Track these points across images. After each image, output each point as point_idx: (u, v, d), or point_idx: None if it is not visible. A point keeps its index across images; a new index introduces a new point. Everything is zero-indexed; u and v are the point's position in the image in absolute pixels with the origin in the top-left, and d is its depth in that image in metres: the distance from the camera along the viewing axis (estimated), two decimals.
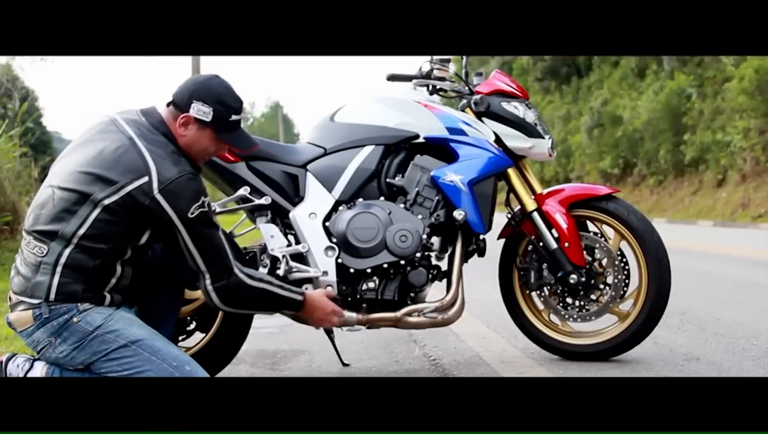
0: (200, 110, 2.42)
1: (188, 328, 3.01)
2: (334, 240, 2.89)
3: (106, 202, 2.30)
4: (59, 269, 2.30)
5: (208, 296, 2.44)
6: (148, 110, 2.48)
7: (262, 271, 2.87)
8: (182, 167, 2.36)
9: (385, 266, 2.88)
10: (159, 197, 2.30)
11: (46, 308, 2.30)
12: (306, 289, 2.86)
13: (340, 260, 2.88)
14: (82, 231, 2.30)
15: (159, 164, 2.33)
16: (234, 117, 2.48)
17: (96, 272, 2.32)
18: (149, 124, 2.43)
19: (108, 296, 2.36)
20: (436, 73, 3.17)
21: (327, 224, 2.93)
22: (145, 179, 2.31)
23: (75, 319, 2.30)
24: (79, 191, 2.33)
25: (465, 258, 3.05)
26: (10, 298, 2.41)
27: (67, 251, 2.30)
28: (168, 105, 2.47)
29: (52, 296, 2.30)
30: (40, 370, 2.37)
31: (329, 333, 3.13)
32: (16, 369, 2.38)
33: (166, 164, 2.34)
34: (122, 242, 2.35)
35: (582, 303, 3.18)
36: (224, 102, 2.45)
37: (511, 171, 3.16)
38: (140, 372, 2.30)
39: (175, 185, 2.32)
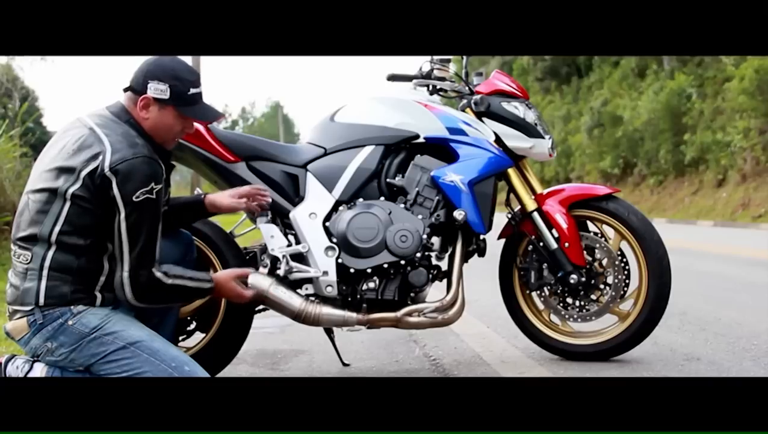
0: (157, 89, 2.39)
1: (188, 328, 3.02)
2: (335, 240, 2.89)
3: (71, 190, 2.30)
4: (45, 273, 2.30)
5: (120, 288, 2.34)
6: (112, 103, 2.48)
7: (262, 272, 2.87)
8: (138, 150, 2.32)
9: (386, 266, 2.88)
10: (108, 173, 2.28)
11: (39, 313, 2.30)
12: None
13: (340, 260, 2.88)
14: (57, 228, 2.30)
15: (114, 145, 2.31)
16: (192, 90, 2.44)
17: (82, 271, 2.32)
18: (112, 114, 2.43)
19: (99, 296, 2.35)
20: (436, 73, 3.17)
21: (327, 224, 2.93)
22: (99, 158, 2.30)
23: (70, 322, 2.30)
24: (47, 189, 2.34)
25: (465, 258, 3.05)
26: (7, 309, 2.41)
27: (50, 253, 2.30)
28: (125, 91, 2.45)
29: (42, 300, 2.29)
30: (39, 371, 2.36)
31: (329, 332, 3.14)
32: (15, 370, 2.37)
33: (123, 144, 2.32)
34: (99, 235, 2.33)
35: (582, 303, 3.18)
36: (179, 77, 2.42)
37: (511, 171, 3.16)
38: (139, 374, 2.29)
39: (127, 164, 2.28)
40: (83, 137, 2.36)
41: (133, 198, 2.28)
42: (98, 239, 2.33)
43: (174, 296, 2.49)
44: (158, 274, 2.36)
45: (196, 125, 2.92)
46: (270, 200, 2.86)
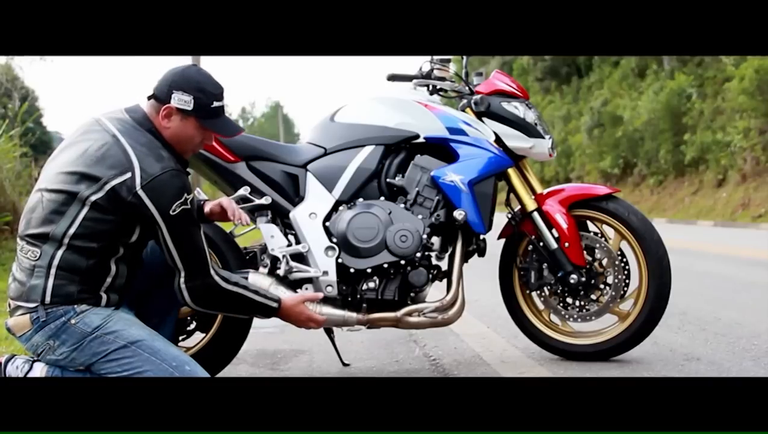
0: (181, 99, 2.40)
1: (188, 328, 3.02)
2: (335, 240, 2.89)
3: (93, 198, 2.30)
4: (53, 271, 2.30)
5: (180, 294, 2.43)
6: (132, 107, 2.47)
7: (262, 272, 2.88)
8: (166, 163, 2.34)
9: (386, 266, 2.88)
10: (141, 193, 2.29)
11: (42, 311, 2.30)
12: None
13: (340, 260, 2.88)
14: (72, 231, 2.30)
15: (142, 160, 2.32)
16: (216, 104, 2.45)
17: (90, 272, 2.32)
18: (133, 120, 2.42)
19: (104, 296, 2.36)
20: (436, 73, 3.17)
21: (327, 224, 2.93)
22: (128, 174, 2.30)
23: (72, 321, 2.30)
24: (66, 191, 2.33)
25: (465, 258, 3.05)
26: (9, 304, 2.41)
27: (60, 252, 2.30)
28: (149, 99, 2.45)
29: (48, 298, 2.29)
30: (39, 371, 2.36)
31: (329, 332, 3.13)
32: (15, 370, 2.37)
33: (150, 159, 2.32)
34: (113, 239, 2.34)
35: (582, 303, 3.18)
36: (204, 89, 2.43)
37: (511, 171, 3.16)
38: (140, 373, 2.29)
39: (158, 181, 2.30)
40: (107, 145, 2.35)
41: (170, 212, 2.32)
42: (110, 244, 2.34)
43: (234, 304, 2.51)
44: (216, 278, 2.43)
45: None
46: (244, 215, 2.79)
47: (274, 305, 2.56)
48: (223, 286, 2.44)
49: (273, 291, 2.79)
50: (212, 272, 2.43)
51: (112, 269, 2.37)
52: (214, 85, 2.46)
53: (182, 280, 2.41)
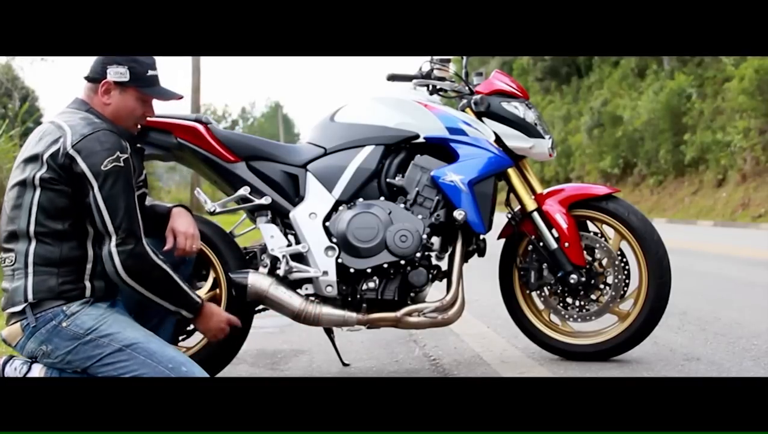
0: (117, 72, 2.44)
1: (188, 328, 3.01)
2: (334, 240, 2.89)
3: (38, 176, 2.32)
4: (30, 269, 2.32)
5: (109, 261, 2.30)
6: (71, 101, 2.52)
7: (262, 272, 2.88)
8: (97, 125, 2.36)
9: (385, 266, 2.88)
10: (72, 151, 2.30)
11: (32, 317, 2.30)
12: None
13: (340, 260, 2.88)
14: (33, 219, 2.32)
15: (73, 126, 2.36)
16: (150, 72, 2.49)
17: (67, 260, 2.32)
18: (70, 108, 2.47)
19: (89, 285, 2.35)
20: (436, 73, 3.17)
21: (327, 224, 2.93)
22: (61, 140, 2.33)
23: (64, 324, 2.30)
24: (17, 182, 2.37)
25: (465, 258, 3.05)
26: (5, 317, 2.42)
27: (31, 248, 2.32)
28: (85, 81, 2.49)
29: (30, 296, 2.30)
30: (38, 372, 2.36)
31: (329, 332, 3.14)
32: (13, 371, 2.38)
33: (81, 124, 2.36)
34: (76, 217, 2.34)
35: (582, 303, 3.18)
36: (137, 60, 2.47)
37: (511, 171, 3.16)
38: (136, 376, 2.29)
39: (89, 139, 2.32)
40: (44, 129, 2.42)
41: (102, 168, 2.29)
42: (75, 222, 2.34)
43: (162, 284, 2.38)
44: (147, 248, 2.35)
45: (195, 124, 2.93)
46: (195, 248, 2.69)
47: (198, 301, 2.47)
48: (153, 259, 2.34)
49: (273, 292, 2.80)
50: (144, 241, 2.34)
51: (90, 253, 2.36)
52: (146, 56, 2.50)
53: (113, 244, 2.30)
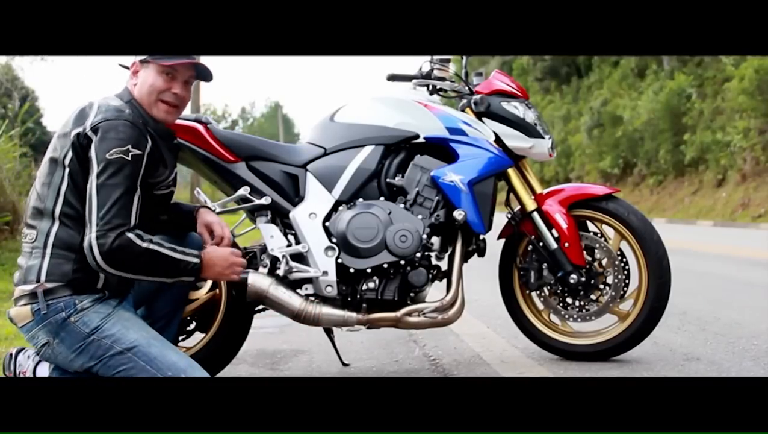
0: (141, 54, 2.48)
1: (188, 328, 3.01)
2: (334, 240, 2.89)
3: (67, 157, 2.33)
4: (48, 250, 2.32)
5: (89, 252, 2.25)
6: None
7: (262, 272, 2.88)
8: (123, 113, 2.36)
9: (385, 266, 2.88)
10: (90, 132, 2.32)
11: (43, 303, 2.30)
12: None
13: (340, 260, 2.88)
14: (60, 200, 2.33)
15: (101, 107, 2.37)
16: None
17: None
18: (116, 93, 2.50)
19: (102, 277, 2.35)
20: (436, 73, 3.17)
21: (327, 224, 2.93)
22: (87, 120, 2.35)
23: (73, 319, 2.30)
24: (50, 158, 2.39)
25: (465, 258, 3.05)
26: (15, 293, 2.42)
27: (54, 230, 2.33)
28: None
29: (43, 276, 2.30)
30: (47, 366, 2.38)
31: (329, 332, 3.14)
32: (26, 360, 2.39)
33: (109, 108, 2.37)
34: None
35: (582, 303, 3.18)
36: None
37: (511, 171, 3.16)
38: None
39: (107, 124, 2.32)
40: (82, 106, 2.43)
41: (107, 155, 2.28)
42: None
43: (149, 264, 2.31)
44: (130, 235, 2.27)
45: (195, 124, 2.93)
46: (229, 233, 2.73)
47: (196, 260, 2.38)
48: (137, 243, 2.27)
49: (273, 292, 2.79)
50: (128, 232, 2.28)
51: None
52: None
53: (93, 235, 2.24)
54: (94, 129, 2.30)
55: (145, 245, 2.29)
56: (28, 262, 2.34)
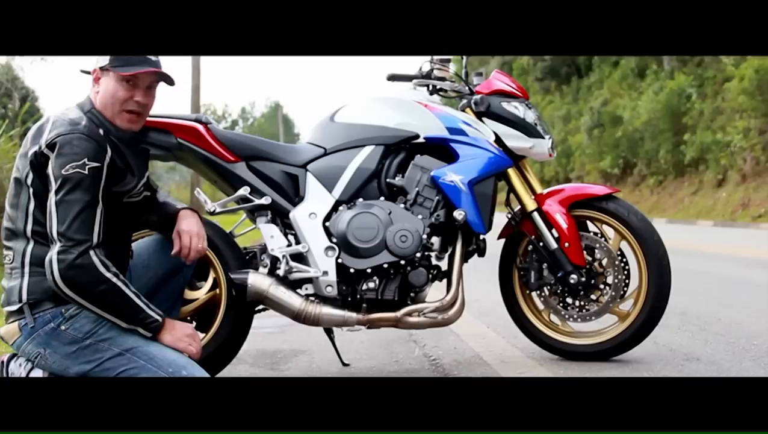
0: (100, 59, 2.43)
1: None
2: (334, 240, 2.89)
3: (28, 178, 2.31)
4: (27, 269, 2.31)
5: (49, 268, 2.20)
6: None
7: (262, 272, 2.88)
8: (78, 127, 2.31)
9: (385, 266, 2.88)
10: (46, 150, 2.28)
11: (30, 317, 2.29)
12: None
13: (340, 260, 2.88)
14: (30, 220, 2.31)
15: (56, 123, 2.33)
16: (136, 57, 2.44)
17: None
18: (75, 105, 2.45)
19: None
20: (436, 73, 3.17)
21: (327, 224, 2.93)
22: (41, 138, 2.31)
23: (63, 327, 2.29)
24: (14, 178, 2.37)
25: (465, 258, 3.05)
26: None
27: (29, 248, 2.31)
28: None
29: (25, 296, 2.29)
30: (41, 372, 2.36)
31: (329, 332, 3.14)
32: (18, 368, 2.37)
33: (64, 124, 2.32)
34: None
35: (582, 303, 3.18)
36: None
37: (511, 171, 3.16)
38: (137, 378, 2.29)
39: (61, 139, 2.27)
40: (39, 123, 2.40)
41: (63, 171, 2.24)
42: None
43: (106, 297, 2.24)
44: (94, 257, 2.22)
45: (195, 124, 2.93)
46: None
47: (157, 317, 2.31)
48: (100, 269, 2.22)
49: (273, 292, 2.80)
50: (92, 252, 2.22)
51: None
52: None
53: (54, 251, 2.20)
54: (50, 146, 2.26)
55: (108, 275, 2.24)
56: (9, 283, 2.33)
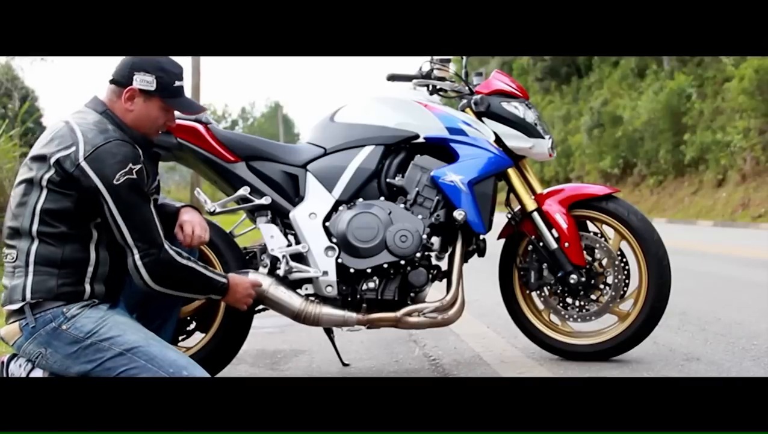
0: (143, 80, 2.40)
1: (188, 328, 3.01)
2: (334, 240, 2.89)
3: (45, 177, 2.31)
4: (31, 268, 2.31)
5: (136, 274, 2.33)
6: (90, 99, 2.49)
7: (262, 272, 2.88)
8: (109, 135, 2.32)
9: (385, 266, 2.88)
10: (84, 164, 2.28)
11: (31, 317, 2.29)
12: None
13: (340, 260, 2.88)
14: (36, 218, 2.31)
15: (86, 133, 2.32)
16: (177, 83, 2.46)
17: (68, 262, 2.31)
18: (87, 107, 2.44)
19: (88, 288, 2.34)
20: (436, 73, 3.17)
21: (327, 224, 2.93)
22: (73, 148, 2.30)
23: (64, 326, 2.29)
24: (24, 180, 2.36)
25: (465, 258, 3.05)
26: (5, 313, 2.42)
27: (33, 247, 2.31)
28: (110, 84, 2.46)
29: (28, 295, 2.29)
30: (41, 372, 2.36)
31: (329, 332, 3.14)
32: (18, 369, 2.37)
33: (94, 132, 2.32)
34: (80, 221, 2.32)
35: (582, 303, 3.18)
36: (165, 69, 2.43)
37: (511, 171, 3.16)
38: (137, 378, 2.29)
39: (101, 150, 2.28)
40: (56, 129, 2.39)
41: (114, 182, 2.27)
42: (80, 225, 2.33)
43: (189, 280, 2.42)
44: (171, 252, 2.36)
45: (195, 124, 2.93)
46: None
47: (224, 280, 2.51)
48: (179, 261, 2.37)
49: (273, 292, 2.80)
50: (166, 246, 2.36)
51: (92, 256, 2.34)
52: (175, 65, 2.47)
53: (137, 257, 2.32)
54: (88, 160, 2.27)
55: (183, 261, 2.39)
56: (12, 282, 2.33)
